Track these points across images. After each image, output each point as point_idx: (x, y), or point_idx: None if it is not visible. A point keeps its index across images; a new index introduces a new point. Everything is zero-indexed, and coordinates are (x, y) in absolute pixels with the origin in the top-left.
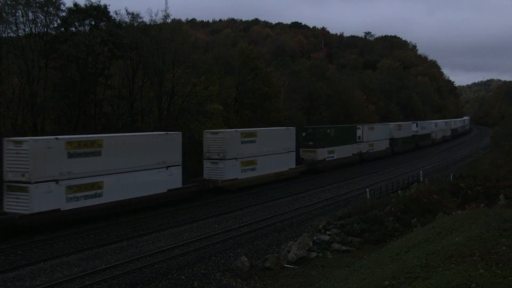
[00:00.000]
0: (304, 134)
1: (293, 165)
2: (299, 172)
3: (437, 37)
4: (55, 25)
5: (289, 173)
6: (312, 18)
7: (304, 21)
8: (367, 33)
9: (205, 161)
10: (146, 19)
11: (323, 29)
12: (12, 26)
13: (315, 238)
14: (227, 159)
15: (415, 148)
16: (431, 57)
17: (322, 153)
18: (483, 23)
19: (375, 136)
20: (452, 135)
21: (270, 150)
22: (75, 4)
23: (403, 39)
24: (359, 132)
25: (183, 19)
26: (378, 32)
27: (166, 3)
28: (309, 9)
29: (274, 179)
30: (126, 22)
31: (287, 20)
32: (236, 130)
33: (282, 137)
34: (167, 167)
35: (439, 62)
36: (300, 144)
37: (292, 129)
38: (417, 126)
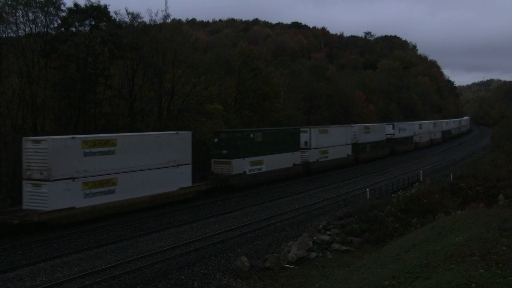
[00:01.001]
0: (216, 141)
1: (188, 183)
2: (197, 193)
3: (439, 38)
4: (55, 25)
5: (179, 195)
6: (312, 18)
7: (304, 21)
8: (367, 33)
9: (25, 183)
10: (146, 19)
11: (323, 29)
12: (12, 26)
13: (315, 238)
14: (55, 180)
15: (391, 154)
16: (433, 57)
17: (240, 165)
18: (485, 23)
19: (330, 141)
20: (444, 138)
21: (144, 164)
22: (75, 4)
23: (404, 39)
24: (305, 137)
25: (183, 19)
26: (379, 32)
27: (166, 3)
28: (311, 9)
29: (150, 204)
30: (126, 22)
31: (287, 20)
32: (73, 137)
33: (167, 145)
34: None
35: (441, 62)
36: (212, 154)
37: (186, 134)
38: (393, 128)
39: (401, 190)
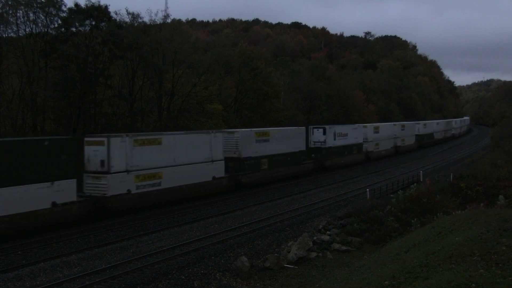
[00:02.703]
0: None
1: None
2: None
3: (440, 38)
4: (56, 25)
5: None
6: (312, 18)
7: (304, 21)
8: (367, 33)
9: None
10: (146, 19)
11: (323, 29)
12: (13, 26)
13: (315, 238)
14: None
15: (316, 170)
16: (434, 57)
17: None
18: (485, 23)
19: (166, 157)
20: (419, 144)
21: None
22: (76, 4)
23: (405, 39)
24: (100, 152)
25: (183, 19)
26: (380, 33)
27: (166, 3)
28: (311, 9)
29: None
30: (126, 22)
31: (287, 20)
32: None
33: None
34: None
35: (442, 63)
36: None
37: None
38: (324, 133)
39: (400, 190)
